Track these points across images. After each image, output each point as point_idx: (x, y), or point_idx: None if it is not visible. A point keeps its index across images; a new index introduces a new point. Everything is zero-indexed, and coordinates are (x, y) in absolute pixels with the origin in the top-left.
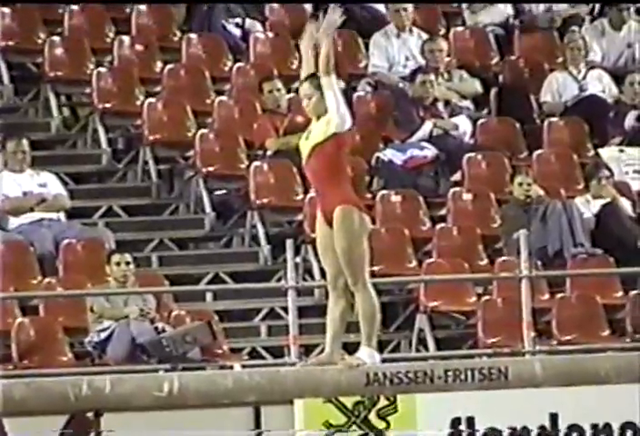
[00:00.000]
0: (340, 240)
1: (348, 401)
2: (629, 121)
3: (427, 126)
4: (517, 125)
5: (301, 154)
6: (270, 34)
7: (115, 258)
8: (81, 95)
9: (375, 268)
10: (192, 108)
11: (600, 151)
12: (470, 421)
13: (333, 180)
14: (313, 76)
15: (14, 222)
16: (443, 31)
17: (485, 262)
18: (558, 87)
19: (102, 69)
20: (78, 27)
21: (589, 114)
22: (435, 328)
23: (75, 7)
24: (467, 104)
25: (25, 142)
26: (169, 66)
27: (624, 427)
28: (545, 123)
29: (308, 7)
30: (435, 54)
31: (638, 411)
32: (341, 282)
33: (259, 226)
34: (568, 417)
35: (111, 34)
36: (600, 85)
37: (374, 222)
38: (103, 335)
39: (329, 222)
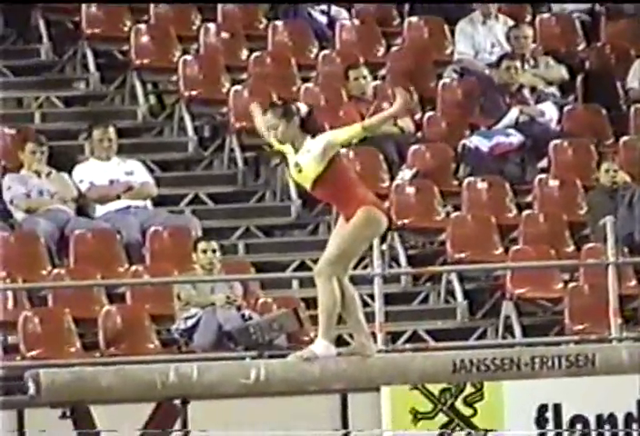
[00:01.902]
0: (348, 228)
1: (435, 389)
2: None
3: (513, 113)
4: (603, 112)
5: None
6: (356, 22)
7: (202, 245)
8: (167, 83)
9: (462, 255)
10: (278, 96)
11: None
12: (557, 407)
13: (346, 195)
14: (274, 105)
15: (100, 209)
16: (529, 17)
17: (572, 248)
18: None
19: (188, 57)
20: (164, 15)
21: None
22: (521, 315)
23: None
24: (553, 90)
25: (111, 129)
26: (255, 54)
27: None
28: (632, 109)
29: None
30: (520, 41)
31: None
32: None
33: None
34: None
35: (197, 22)
36: None
37: (459, 208)
38: (189, 323)
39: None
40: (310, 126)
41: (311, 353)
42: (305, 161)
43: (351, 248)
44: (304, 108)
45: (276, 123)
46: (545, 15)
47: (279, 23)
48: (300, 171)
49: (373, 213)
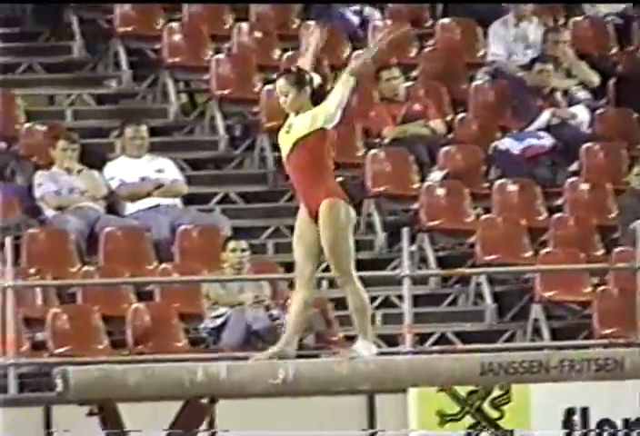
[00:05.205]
0: (327, 233)
1: (462, 391)
2: None
3: (545, 115)
4: (635, 115)
5: (410, 140)
6: (389, 22)
7: (231, 244)
8: (199, 82)
9: (492, 257)
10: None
11: None
12: (584, 411)
13: (317, 174)
14: (288, 72)
15: (130, 207)
16: (562, 20)
17: (602, 252)
18: None
19: (220, 56)
20: (197, 14)
21: None
22: (550, 318)
23: None
24: (585, 93)
25: (143, 127)
26: (287, 54)
27: None
28: None
29: None
30: (556, 45)
31: None
32: (307, 272)
33: (375, 214)
34: None
35: (230, 21)
36: None
37: (489, 210)
38: (218, 322)
39: (313, 217)
40: (320, 98)
41: (355, 354)
42: (298, 122)
43: (343, 248)
44: (317, 79)
45: (287, 90)
46: (579, 19)
47: (312, 23)
48: (288, 132)
49: (338, 207)
